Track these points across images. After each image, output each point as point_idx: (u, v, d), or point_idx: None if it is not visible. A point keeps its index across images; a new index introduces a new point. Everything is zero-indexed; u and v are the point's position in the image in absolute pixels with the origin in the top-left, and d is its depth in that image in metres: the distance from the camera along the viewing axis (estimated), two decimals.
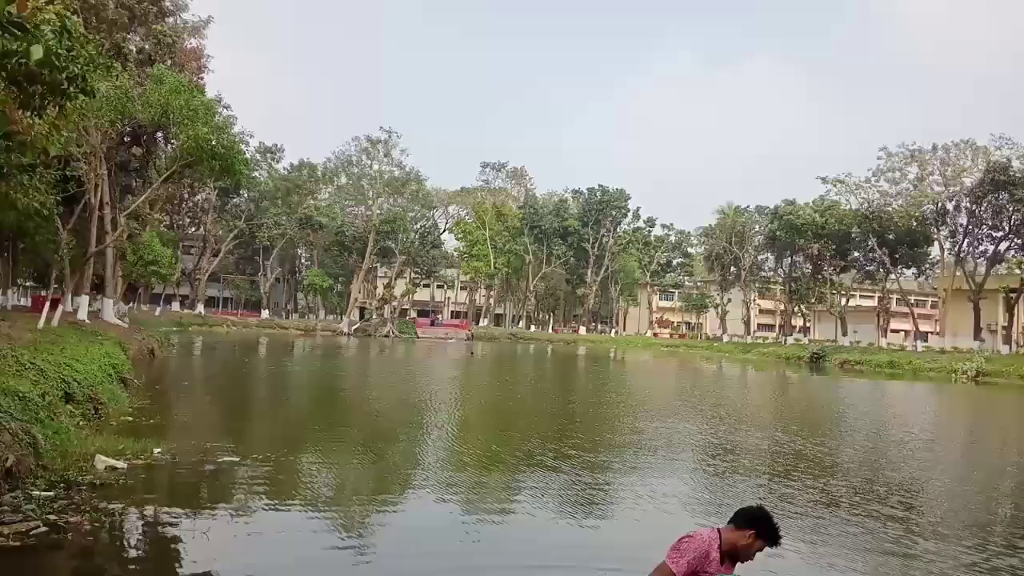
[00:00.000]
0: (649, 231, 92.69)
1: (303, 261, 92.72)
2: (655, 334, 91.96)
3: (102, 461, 9.20)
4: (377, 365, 37.27)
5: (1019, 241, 59.00)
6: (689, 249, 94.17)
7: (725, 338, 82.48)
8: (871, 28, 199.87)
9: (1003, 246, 60.90)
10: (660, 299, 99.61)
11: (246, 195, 76.68)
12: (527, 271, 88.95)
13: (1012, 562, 7.69)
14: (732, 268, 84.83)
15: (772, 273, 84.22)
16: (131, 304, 56.03)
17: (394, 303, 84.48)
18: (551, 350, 63.80)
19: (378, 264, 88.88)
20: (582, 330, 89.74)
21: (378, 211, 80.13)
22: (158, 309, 67.04)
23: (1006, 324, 61.13)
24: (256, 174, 74.90)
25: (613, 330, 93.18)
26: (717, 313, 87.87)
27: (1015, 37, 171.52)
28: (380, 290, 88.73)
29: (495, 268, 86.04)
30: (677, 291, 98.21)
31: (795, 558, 7.46)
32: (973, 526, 9.28)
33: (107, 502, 7.78)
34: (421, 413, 18.23)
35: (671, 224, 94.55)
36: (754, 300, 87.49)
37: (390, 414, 17.93)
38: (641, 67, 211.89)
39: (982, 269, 62.54)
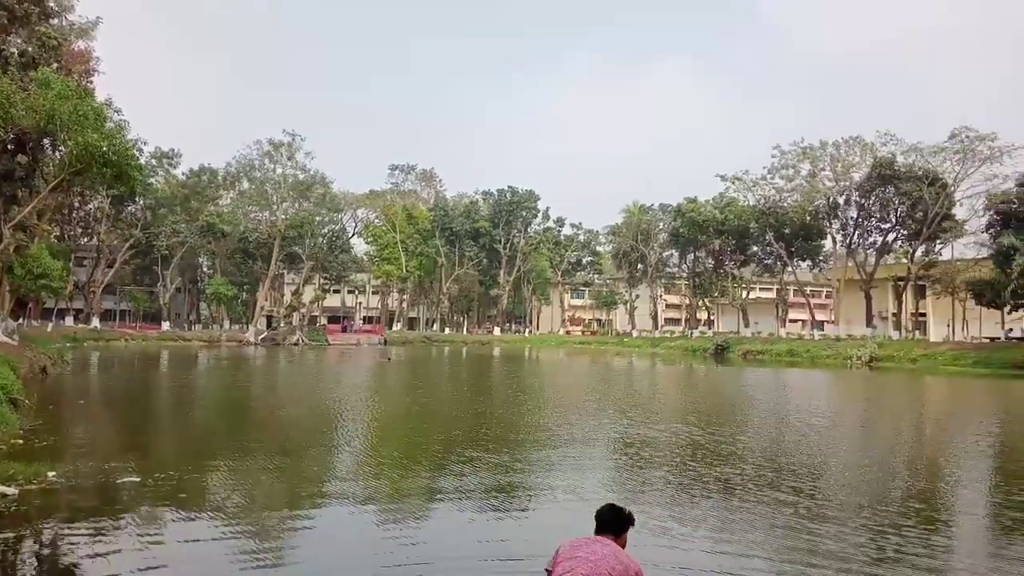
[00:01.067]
0: (559, 231, 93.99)
1: (205, 270, 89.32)
2: (568, 332, 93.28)
3: None
4: (286, 374, 36.37)
5: (905, 232, 62.71)
6: (598, 248, 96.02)
7: (634, 333, 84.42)
8: (770, 30, 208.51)
9: (891, 237, 64.73)
10: (571, 297, 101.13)
11: (142, 203, 73.34)
12: (440, 273, 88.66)
13: (897, 540, 8.13)
14: (639, 265, 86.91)
15: (677, 269, 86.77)
16: (20, 320, 52.71)
17: (303, 310, 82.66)
18: (466, 352, 63.79)
19: (285, 271, 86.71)
20: (497, 331, 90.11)
21: (283, 216, 78.17)
22: (50, 325, 63.37)
23: (895, 311, 64.89)
24: (152, 180, 71.84)
25: (527, 330, 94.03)
26: (626, 309, 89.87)
27: (902, 37, 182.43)
28: (288, 297, 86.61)
29: (407, 271, 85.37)
30: (587, 289, 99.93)
31: (700, 543, 7.72)
32: (864, 507, 9.78)
33: None
34: (333, 421, 17.88)
35: (580, 223, 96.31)
36: (660, 296, 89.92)
37: (300, 424, 17.52)
38: (551, 68, 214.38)
39: (872, 259, 66.19)
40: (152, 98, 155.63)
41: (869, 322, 62.67)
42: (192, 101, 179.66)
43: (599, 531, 4.11)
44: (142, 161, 45.69)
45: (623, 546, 4.06)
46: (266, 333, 75.03)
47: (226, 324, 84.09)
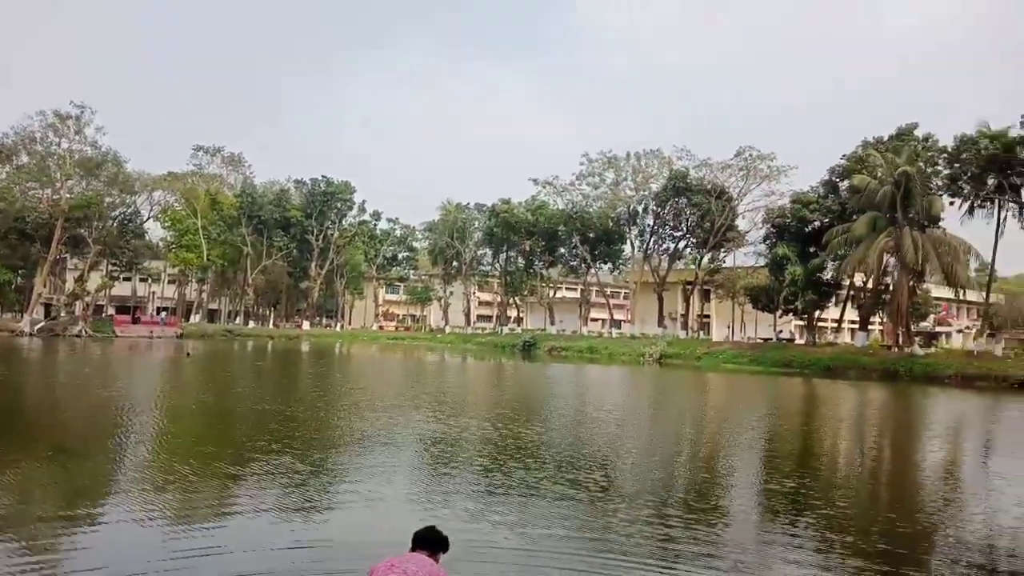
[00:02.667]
0: (375, 224, 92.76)
1: None
2: (381, 327, 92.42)
3: None
4: (65, 369, 33.20)
5: (694, 240, 68.39)
6: (414, 243, 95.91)
7: (448, 329, 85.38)
8: (589, 41, 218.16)
9: (682, 244, 70.39)
10: (386, 292, 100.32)
11: None
12: (245, 263, 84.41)
13: (676, 530, 9.07)
14: (454, 262, 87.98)
15: (490, 267, 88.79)
16: None
17: (87, 299, 75.59)
18: (272, 347, 61.35)
19: (68, 255, 78.83)
20: (306, 325, 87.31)
21: (68, 195, 70.98)
22: None
23: (684, 312, 70.56)
24: None
25: (339, 324, 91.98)
26: (440, 305, 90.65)
27: (708, 62, 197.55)
28: (71, 284, 78.79)
29: (208, 260, 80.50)
30: (403, 284, 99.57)
31: (506, 541, 8.18)
32: (649, 497, 10.78)
33: None
34: (116, 423, 16.14)
35: (397, 218, 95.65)
36: (474, 293, 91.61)
37: (78, 425, 16.01)
38: (372, 61, 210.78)
39: (665, 264, 71.57)
40: None
41: (661, 322, 67.69)
42: None
43: (415, 549, 4.22)
44: None
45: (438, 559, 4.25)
46: (44, 323, 67.75)
47: None
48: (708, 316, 74.89)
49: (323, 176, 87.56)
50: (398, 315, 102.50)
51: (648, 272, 71.20)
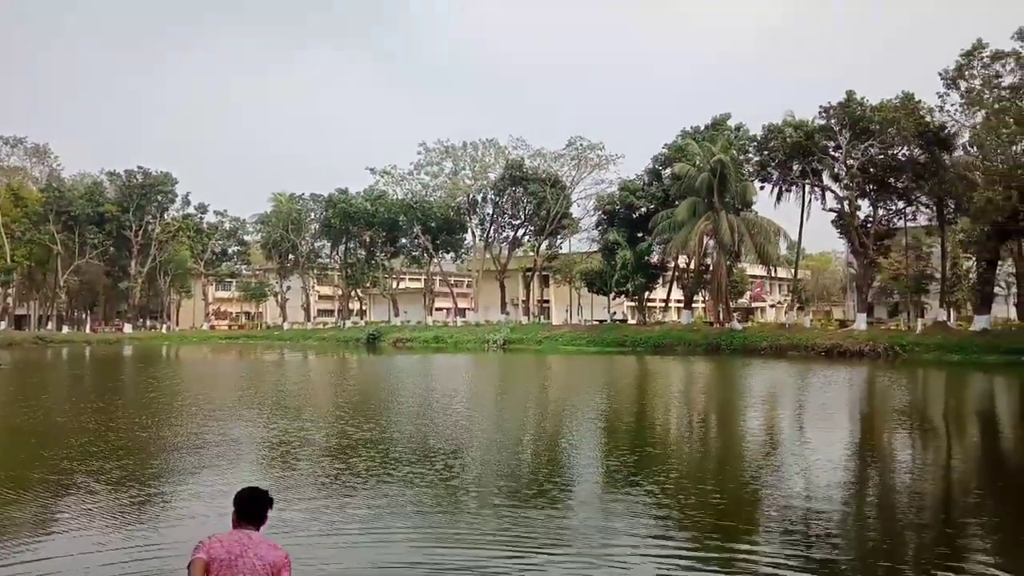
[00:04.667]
0: (201, 218, 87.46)
1: None
2: (212, 327, 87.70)
3: None
4: None
5: (532, 228, 70.18)
6: (246, 237, 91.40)
7: (286, 326, 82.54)
8: (419, 27, 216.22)
9: (520, 232, 71.96)
10: (217, 290, 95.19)
11: None
12: (55, 264, 77.26)
13: (516, 516, 9.47)
14: (290, 255, 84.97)
15: (329, 259, 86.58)
16: None
17: None
18: (90, 353, 56.68)
19: None
20: (128, 328, 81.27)
21: None
22: None
23: (525, 298, 72.36)
24: None
25: (165, 325, 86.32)
26: (277, 301, 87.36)
27: (541, 49, 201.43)
28: None
29: (13, 261, 72.98)
30: (235, 281, 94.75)
31: (352, 536, 8.22)
32: (499, 482, 11.15)
33: None
34: None
35: (225, 211, 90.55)
36: (313, 287, 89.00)
37: None
38: (196, 53, 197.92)
39: (506, 252, 72.97)
40: None
41: (503, 309, 69.10)
42: None
43: (242, 520, 3.86)
44: None
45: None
46: None
47: None
48: (548, 301, 77.25)
49: (140, 167, 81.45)
50: (231, 313, 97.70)
51: (490, 260, 72.32)
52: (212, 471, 11.53)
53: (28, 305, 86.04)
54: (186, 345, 68.91)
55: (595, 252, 63.22)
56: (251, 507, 3.87)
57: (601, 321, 64.60)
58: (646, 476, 10.89)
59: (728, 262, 52.70)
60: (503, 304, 69.55)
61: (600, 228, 60.87)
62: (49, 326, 79.86)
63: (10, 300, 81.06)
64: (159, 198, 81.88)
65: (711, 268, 54.08)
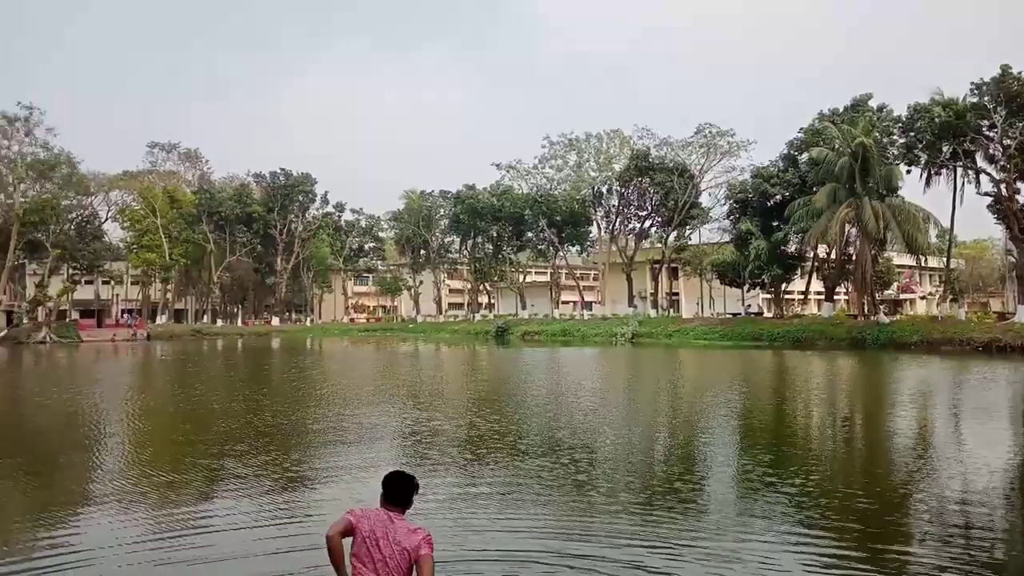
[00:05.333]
0: (339, 216, 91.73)
1: None
2: (351, 320, 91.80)
3: None
4: (35, 377, 32.51)
5: (659, 219, 68.82)
6: (380, 233, 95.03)
7: (419, 319, 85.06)
8: (532, 25, 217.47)
9: (647, 223, 70.72)
10: (355, 284, 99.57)
11: None
12: (209, 261, 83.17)
13: (654, 514, 9.20)
14: (422, 251, 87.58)
15: (458, 254, 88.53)
16: None
17: (49, 304, 73.93)
18: (242, 344, 60.66)
19: (26, 261, 77.06)
20: (275, 321, 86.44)
21: (21, 199, 69.31)
22: None
23: (653, 291, 71.20)
24: None
25: (308, 318, 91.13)
26: (410, 295, 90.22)
27: (650, 37, 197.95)
28: (31, 291, 77.04)
29: (171, 259, 79.18)
30: (371, 275, 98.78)
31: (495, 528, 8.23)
32: (638, 476, 10.90)
33: None
34: (96, 427, 16.39)
35: (361, 209, 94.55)
36: (444, 281, 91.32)
37: (68, 433, 15.85)
38: (320, 50, 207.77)
39: (632, 244, 71.97)
40: None
41: (631, 302, 68.19)
42: None
43: (388, 502, 4.08)
44: None
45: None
46: (6, 331, 66.25)
47: None
48: (677, 294, 75.63)
49: (282, 169, 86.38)
50: (368, 307, 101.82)
51: (616, 252, 71.56)
52: (348, 458, 11.97)
53: (186, 300, 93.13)
54: (328, 337, 72.40)
55: (727, 243, 61.20)
56: (398, 490, 4.11)
57: (735, 314, 62.53)
58: (784, 476, 10.36)
59: (872, 251, 49.59)
60: (630, 297, 68.65)
61: (732, 217, 58.84)
62: (205, 319, 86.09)
63: (170, 296, 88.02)
64: (301, 198, 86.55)
65: (854, 258, 51.10)
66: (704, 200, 68.04)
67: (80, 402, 21.05)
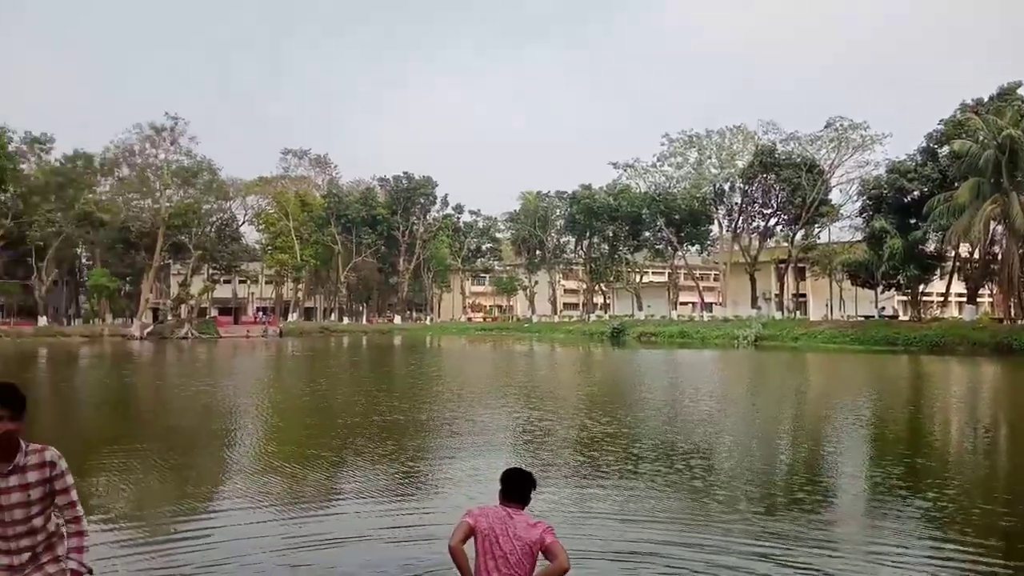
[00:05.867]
0: (458, 218, 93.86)
1: (84, 261, 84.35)
2: (469, 319, 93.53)
3: None
4: (177, 370, 34.92)
5: (786, 217, 66.17)
6: (497, 234, 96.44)
7: (535, 319, 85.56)
8: (647, 20, 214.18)
9: (772, 222, 68.15)
10: (472, 284, 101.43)
11: (11, 190, 68.39)
12: (336, 262, 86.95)
13: (778, 524, 8.75)
14: (537, 251, 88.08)
15: (574, 254, 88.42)
16: None
17: (191, 302, 79.37)
18: (367, 341, 62.97)
19: (171, 261, 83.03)
20: (397, 319, 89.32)
21: (167, 204, 74.69)
22: None
23: (778, 292, 68.52)
24: (23, 167, 67.29)
25: (428, 317, 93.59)
26: (526, 295, 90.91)
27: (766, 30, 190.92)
28: (175, 289, 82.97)
29: (302, 260, 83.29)
30: (488, 275, 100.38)
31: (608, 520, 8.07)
32: (764, 483, 10.44)
33: None
34: (230, 417, 17.38)
35: (479, 210, 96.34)
36: (559, 281, 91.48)
37: (203, 424, 16.93)
38: (428, 54, 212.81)
39: (756, 243, 69.54)
40: (15, 77, 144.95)
41: (754, 303, 65.89)
42: (62, 81, 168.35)
43: (508, 498, 4.15)
44: (11, 148, 42.49)
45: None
46: (152, 327, 71.67)
47: (108, 318, 79.65)
48: (804, 295, 72.48)
49: (405, 172, 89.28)
50: (485, 306, 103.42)
51: (738, 252, 69.37)
52: (461, 455, 12.12)
53: (315, 299, 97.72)
54: (446, 335, 74.03)
55: (859, 241, 58.05)
56: (516, 486, 4.18)
57: (867, 317, 59.24)
58: (917, 489, 9.65)
59: (1020, 250, 45.75)
60: (754, 298, 66.36)
61: (864, 215, 55.72)
62: (332, 317, 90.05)
63: (300, 294, 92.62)
64: (422, 200, 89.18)
65: (999, 257, 47.33)
66: (834, 197, 65.01)
67: (217, 394, 22.45)
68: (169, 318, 76.69)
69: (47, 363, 37.96)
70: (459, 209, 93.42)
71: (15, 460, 3.26)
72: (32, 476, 3.29)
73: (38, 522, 3.36)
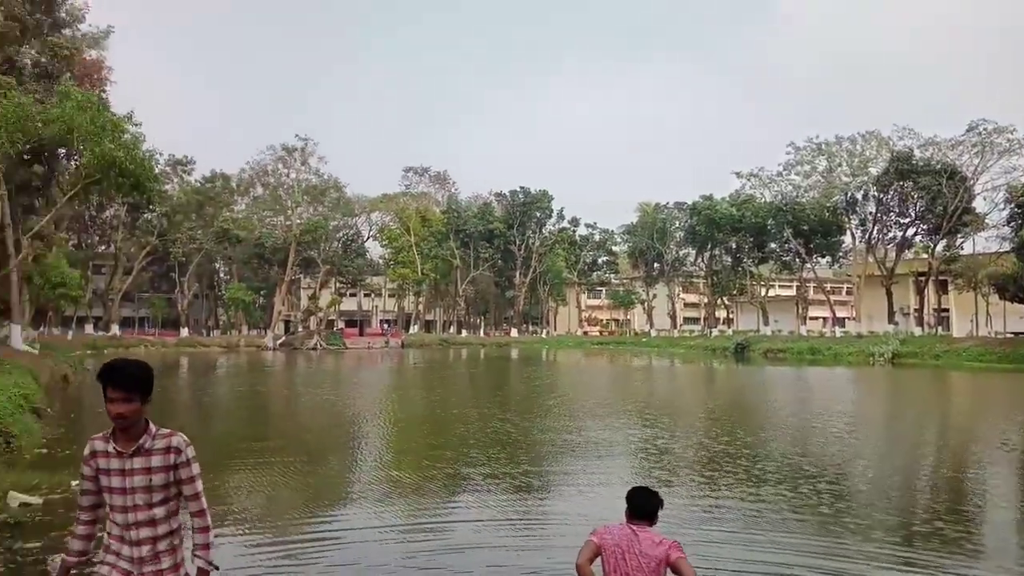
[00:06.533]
0: (574, 231, 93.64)
1: (222, 275, 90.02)
2: (585, 332, 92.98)
3: (15, 498, 8.64)
4: (307, 379, 36.37)
5: (925, 227, 61.95)
6: (613, 247, 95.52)
7: (653, 333, 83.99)
8: (767, 27, 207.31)
9: (910, 232, 63.92)
10: (588, 297, 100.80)
11: (157, 210, 73.92)
12: (455, 275, 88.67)
13: (917, 558, 7.91)
14: (656, 264, 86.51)
15: (694, 267, 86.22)
16: (40, 329, 53.25)
17: (320, 314, 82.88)
18: (484, 354, 63.69)
19: (301, 275, 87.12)
20: (514, 332, 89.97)
21: (298, 221, 78.50)
22: (70, 333, 63.96)
23: (917, 307, 64.19)
24: (167, 187, 72.52)
25: (544, 331, 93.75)
26: (644, 309, 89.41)
27: (911, 35, 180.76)
28: (305, 302, 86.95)
29: (422, 274, 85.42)
30: (604, 289, 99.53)
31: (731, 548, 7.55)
32: (908, 513, 9.56)
33: (22, 541, 7.27)
34: (356, 426, 17.83)
35: (595, 223, 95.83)
36: (678, 294, 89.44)
37: (322, 428, 17.47)
38: (550, 68, 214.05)
39: (892, 255, 65.42)
40: (160, 103, 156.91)
41: (891, 318, 61.96)
42: (199, 106, 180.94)
43: (634, 516, 4.07)
44: (157, 170, 45.73)
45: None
46: (284, 338, 75.32)
47: (244, 329, 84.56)
48: (946, 310, 67.54)
49: (522, 187, 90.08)
50: (601, 320, 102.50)
51: (873, 264, 65.50)
52: (575, 471, 11.83)
53: (434, 312, 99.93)
54: (562, 349, 73.80)
55: (1007, 252, 53.46)
56: (643, 504, 4.11)
57: (1017, 334, 54.44)
58: None
59: None
60: (890, 313, 62.38)
61: (1013, 224, 51.23)
62: (451, 330, 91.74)
63: (420, 308, 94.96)
64: (538, 214, 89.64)
65: None
66: (978, 205, 60.16)
67: (344, 403, 23.21)
68: (299, 329, 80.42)
69: (188, 371, 40.50)
70: (575, 222, 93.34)
71: (139, 442, 3.23)
72: (156, 460, 3.24)
73: (160, 511, 3.27)
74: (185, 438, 3.31)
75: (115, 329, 70.70)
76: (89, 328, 70.92)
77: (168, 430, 3.33)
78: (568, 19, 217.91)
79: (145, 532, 3.25)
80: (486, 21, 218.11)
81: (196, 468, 3.32)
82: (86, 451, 3.31)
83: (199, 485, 3.33)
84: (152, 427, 3.29)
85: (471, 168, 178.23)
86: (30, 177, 34.28)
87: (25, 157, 32.69)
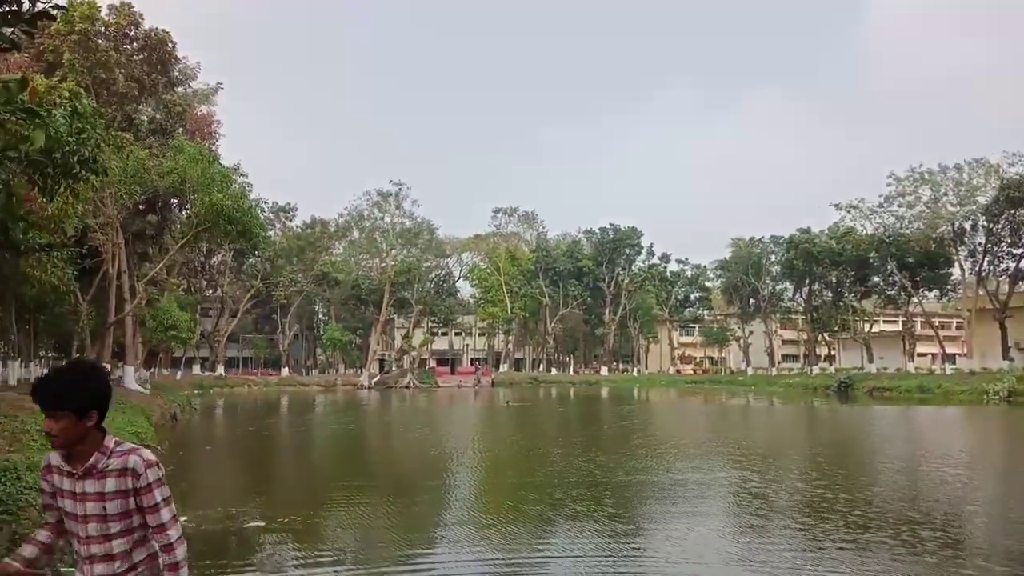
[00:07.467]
0: (664, 267, 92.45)
1: (320, 317, 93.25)
2: (678, 371, 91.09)
3: None
4: (401, 417, 37.07)
5: None
6: (706, 283, 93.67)
7: (749, 371, 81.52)
8: (858, 57, 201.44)
9: None
10: (681, 335, 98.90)
11: (261, 255, 77.53)
12: (544, 314, 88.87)
13: None
14: (751, 300, 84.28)
15: (792, 303, 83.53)
16: (152, 369, 56.37)
17: (413, 353, 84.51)
18: (574, 393, 63.32)
19: (395, 315, 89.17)
20: (604, 370, 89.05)
21: (392, 263, 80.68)
22: (179, 373, 67.39)
23: None
24: (270, 233, 76.00)
25: (635, 368, 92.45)
26: (739, 346, 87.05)
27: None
28: (398, 341, 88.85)
29: (512, 313, 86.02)
30: (697, 326, 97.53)
31: None
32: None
33: None
34: (449, 466, 18.03)
35: (686, 259, 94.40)
36: (776, 331, 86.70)
37: (422, 468, 17.73)
38: (640, 106, 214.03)
39: (1006, 287, 61.68)
40: (258, 151, 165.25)
41: (1006, 354, 58.21)
42: (296, 152, 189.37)
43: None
44: (262, 218, 48.25)
45: None
46: (379, 376, 77.07)
47: (341, 368, 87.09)
48: None
49: (611, 224, 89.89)
50: (695, 358, 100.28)
51: (984, 297, 61.92)
52: (665, 515, 11.62)
53: (524, 350, 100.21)
54: (654, 387, 72.51)
55: None
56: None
57: None
58: None
59: None
60: (1005, 348, 58.61)
61: None
62: (540, 368, 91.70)
63: (510, 346, 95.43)
64: (627, 251, 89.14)
65: None
66: None
67: (437, 441, 23.54)
68: (394, 368, 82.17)
69: (288, 410, 41.95)
70: (665, 258, 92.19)
71: (89, 462, 2.75)
72: (111, 484, 2.74)
73: (118, 544, 2.76)
74: (147, 456, 2.80)
75: (220, 369, 74.03)
76: (196, 368, 74.52)
77: (130, 445, 2.84)
78: (658, 52, 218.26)
79: (100, 568, 2.76)
80: (559, 61, 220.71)
81: (161, 493, 2.79)
82: (43, 463, 2.91)
83: (165, 514, 2.79)
84: (109, 443, 2.78)
85: (558, 207, 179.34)
86: (145, 226, 36.73)
87: (141, 208, 35.13)
